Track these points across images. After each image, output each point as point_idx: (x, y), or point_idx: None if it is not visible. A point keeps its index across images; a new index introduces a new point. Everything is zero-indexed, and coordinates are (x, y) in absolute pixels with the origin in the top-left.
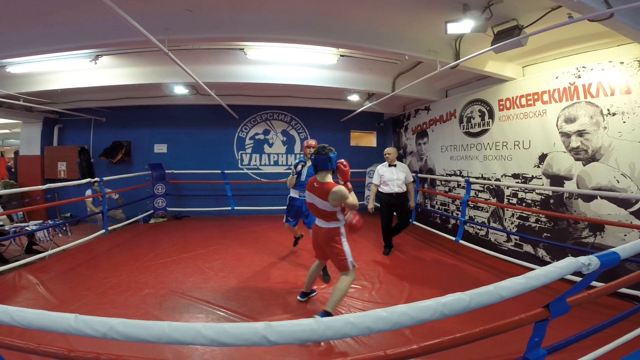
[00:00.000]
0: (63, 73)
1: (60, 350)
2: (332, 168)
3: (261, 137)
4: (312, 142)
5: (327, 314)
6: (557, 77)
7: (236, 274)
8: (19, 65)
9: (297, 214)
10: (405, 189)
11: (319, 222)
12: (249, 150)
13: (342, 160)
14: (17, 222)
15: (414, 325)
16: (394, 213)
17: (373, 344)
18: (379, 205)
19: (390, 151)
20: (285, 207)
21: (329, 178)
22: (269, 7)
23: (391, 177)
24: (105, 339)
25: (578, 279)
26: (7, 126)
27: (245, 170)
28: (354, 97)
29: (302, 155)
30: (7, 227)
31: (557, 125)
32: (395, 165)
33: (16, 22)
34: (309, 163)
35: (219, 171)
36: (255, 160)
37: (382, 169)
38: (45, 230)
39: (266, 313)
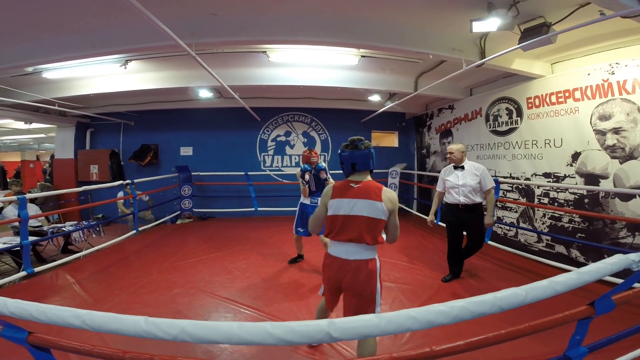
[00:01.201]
0: (95, 78)
1: (115, 352)
2: (372, 168)
3: (283, 138)
4: (315, 156)
5: None
6: (589, 74)
7: (261, 274)
8: (54, 71)
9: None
10: (476, 200)
11: (344, 252)
12: (271, 152)
13: None
14: (53, 223)
15: (472, 319)
16: (464, 231)
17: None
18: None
19: (452, 149)
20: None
21: (369, 177)
22: (291, 10)
23: (455, 182)
24: (175, 341)
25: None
26: (43, 130)
27: (268, 172)
28: (375, 98)
29: (304, 165)
30: (45, 228)
31: (590, 122)
32: (462, 168)
33: (51, 27)
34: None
35: (243, 173)
36: (277, 162)
37: (445, 172)
38: (80, 231)
39: (291, 313)
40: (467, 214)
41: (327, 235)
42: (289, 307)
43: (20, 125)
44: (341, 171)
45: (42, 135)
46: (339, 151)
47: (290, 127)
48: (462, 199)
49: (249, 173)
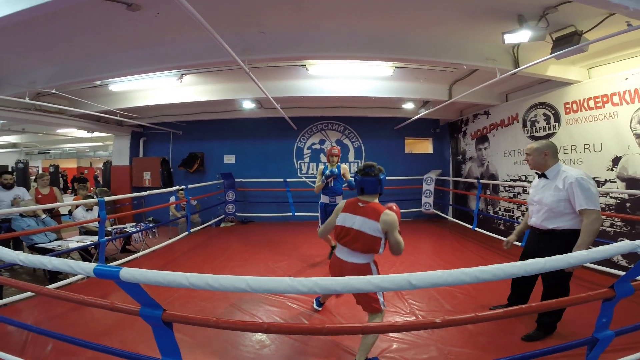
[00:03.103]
0: (152, 90)
1: (234, 323)
2: (381, 192)
3: (317, 146)
4: (336, 149)
5: None
6: (626, 79)
7: (302, 273)
8: (118, 84)
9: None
10: (556, 226)
11: (344, 255)
12: (306, 160)
13: (393, 204)
14: (112, 225)
15: (505, 278)
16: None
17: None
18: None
19: (529, 148)
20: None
21: (376, 200)
22: (332, 27)
23: (531, 197)
24: (310, 293)
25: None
26: (101, 139)
27: (304, 179)
28: (408, 105)
29: (326, 164)
30: (109, 229)
31: (630, 127)
32: (545, 176)
33: (121, 45)
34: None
35: (282, 180)
36: (313, 169)
37: (534, 181)
38: (140, 232)
39: (330, 306)
40: (543, 243)
41: (335, 239)
42: (330, 304)
43: (80, 134)
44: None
45: (99, 144)
46: (353, 174)
47: (325, 135)
48: (534, 220)
49: (286, 180)
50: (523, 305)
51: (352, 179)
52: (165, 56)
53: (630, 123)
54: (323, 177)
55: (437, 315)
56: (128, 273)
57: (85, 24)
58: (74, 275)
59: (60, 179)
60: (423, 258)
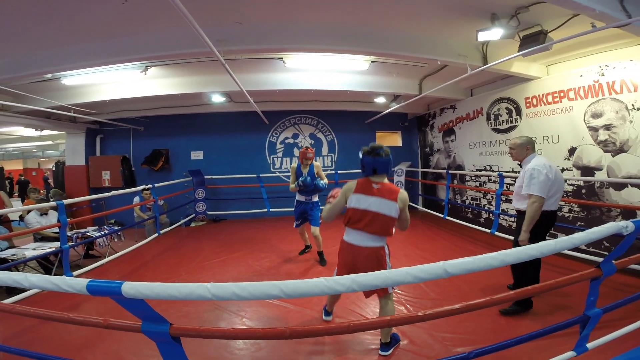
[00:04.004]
0: (111, 84)
1: (254, 332)
2: (390, 172)
3: (291, 141)
4: (311, 153)
5: (387, 344)
6: (581, 76)
7: (286, 271)
8: (73, 77)
9: (303, 216)
10: (523, 207)
11: (358, 240)
12: (280, 154)
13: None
14: (70, 229)
15: (516, 262)
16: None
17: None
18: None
19: (513, 144)
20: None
21: (387, 180)
22: (311, 20)
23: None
24: (348, 292)
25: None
26: (51, 137)
27: (277, 174)
28: (380, 99)
29: (298, 162)
30: (69, 234)
31: (584, 120)
32: (521, 166)
33: (83, 35)
34: (305, 171)
35: (255, 175)
36: (286, 164)
37: None
38: (105, 237)
39: (320, 303)
40: (517, 226)
41: (346, 223)
42: (318, 298)
43: (28, 132)
44: (348, 170)
45: (49, 142)
46: (361, 155)
47: (298, 129)
48: (515, 203)
49: (260, 175)
50: (529, 287)
51: (308, 179)
52: (131, 47)
53: (584, 117)
54: (297, 182)
55: (425, 303)
56: (132, 288)
57: (40, 10)
58: None
59: (6, 182)
60: (400, 247)
